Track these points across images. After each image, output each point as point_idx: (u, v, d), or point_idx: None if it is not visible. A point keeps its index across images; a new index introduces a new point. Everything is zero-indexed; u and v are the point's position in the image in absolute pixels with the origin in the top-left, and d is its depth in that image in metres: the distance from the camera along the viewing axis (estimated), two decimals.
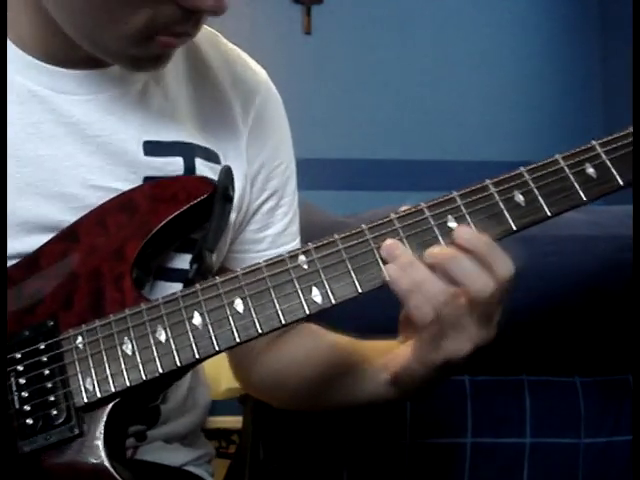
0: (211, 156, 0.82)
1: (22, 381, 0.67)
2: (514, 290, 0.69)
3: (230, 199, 0.78)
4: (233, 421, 1.86)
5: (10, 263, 0.73)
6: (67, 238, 0.74)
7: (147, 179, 0.77)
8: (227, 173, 0.79)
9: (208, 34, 0.88)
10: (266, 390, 0.94)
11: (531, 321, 1.09)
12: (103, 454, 0.65)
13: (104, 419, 0.66)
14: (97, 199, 0.75)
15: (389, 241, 0.67)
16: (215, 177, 0.80)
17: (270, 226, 0.89)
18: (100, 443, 0.65)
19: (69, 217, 0.74)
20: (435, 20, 3.40)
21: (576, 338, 1.13)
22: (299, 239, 0.93)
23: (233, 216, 0.83)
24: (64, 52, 0.75)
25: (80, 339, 0.68)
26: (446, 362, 0.69)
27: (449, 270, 0.66)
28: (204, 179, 0.77)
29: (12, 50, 0.75)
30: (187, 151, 0.80)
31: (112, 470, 0.65)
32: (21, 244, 0.74)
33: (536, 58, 3.45)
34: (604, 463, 1.14)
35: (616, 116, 3.18)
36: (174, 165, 0.79)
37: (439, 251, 0.67)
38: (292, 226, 0.92)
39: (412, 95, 3.34)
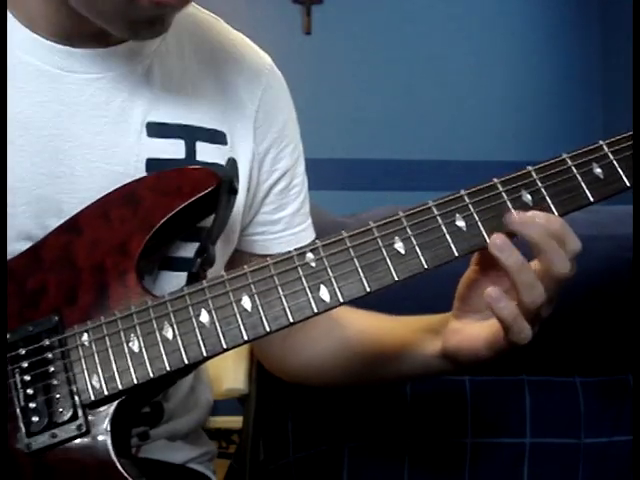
0: (217, 137, 0.82)
1: (27, 378, 0.66)
2: None
3: (235, 191, 0.77)
4: (233, 421, 1.86)
5: (14, 246, 0.72)
6: (70, 230, 0.73)
7: (149, 161, 0.77)
8: (232, 165, 0.79)
9: (211, 20, 0.88)
10: (299, 376, 0.95)
11: None
12: (110, 451, 0.65)
13: (110, 416, 0.66)
14: (99, 181, 0.74)
15: (499, 239, 0.67)
16: (220, 159, 0.80)
17: (285, 207, 0.90)
18: (107, 440, 0.65)
19: (70, 199, 0.74)
20: (435, 20, 3.40)
21: (576, 338, 1.13)
22: (310, 219, 0.93)
23: (242, 197, 0.83)
24: (71, 29, 0.75)
25: (86, 336, 0.67)
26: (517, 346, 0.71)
27: (544, 250, 0.67)
28: (209, 171, 0.76)
29: (21, 30, 0.75)
30: (189, 134, 0.80)
31: (120, 467, 0.64)
32: (24, 226, 0.73)
33: (536, 58, 3.45)
34: (604, 463, 1.13)
35: (616, 116, 3.18)
36: (175, 147, 0.79)
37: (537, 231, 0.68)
38: (305, 206, 0.92)
39: (412, 95, 3.34)
